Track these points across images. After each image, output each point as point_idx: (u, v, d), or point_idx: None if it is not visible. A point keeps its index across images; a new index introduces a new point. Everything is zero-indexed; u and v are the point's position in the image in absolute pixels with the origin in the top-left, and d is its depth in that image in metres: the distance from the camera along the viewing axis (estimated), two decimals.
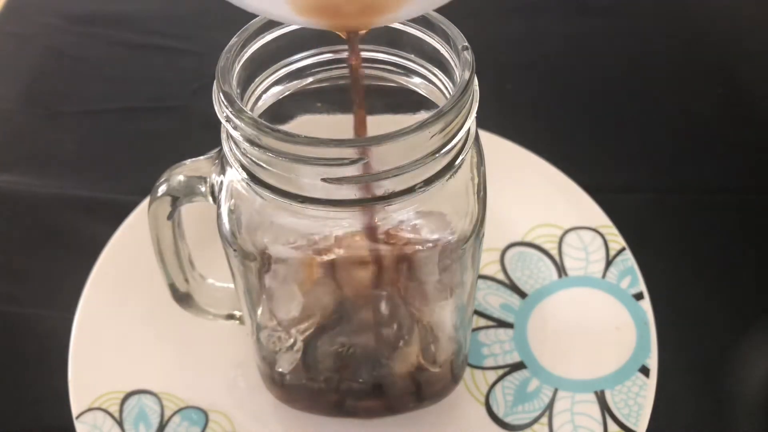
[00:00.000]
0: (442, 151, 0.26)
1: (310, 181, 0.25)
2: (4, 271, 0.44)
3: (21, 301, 0.42)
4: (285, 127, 0.26)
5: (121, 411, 0.36)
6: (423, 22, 0.28)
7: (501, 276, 0.41)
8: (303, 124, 0.31)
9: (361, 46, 0.30)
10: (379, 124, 0.30)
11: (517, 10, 0.59)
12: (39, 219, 0.46)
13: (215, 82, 0.26)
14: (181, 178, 0.31)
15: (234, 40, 0.27)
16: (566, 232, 0.43)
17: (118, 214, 0.43)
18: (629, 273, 0.40)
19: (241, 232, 0.29)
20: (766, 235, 0.44)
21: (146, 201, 0.36)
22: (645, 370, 0.37)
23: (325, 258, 0.29)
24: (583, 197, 0.44)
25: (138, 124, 0.52)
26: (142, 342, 0.39)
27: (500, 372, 0.38)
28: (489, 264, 0.42)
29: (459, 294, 0.32)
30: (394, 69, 0.30)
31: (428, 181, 0.26)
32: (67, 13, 0.59)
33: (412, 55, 0.29)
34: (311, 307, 0.33)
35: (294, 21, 0.26)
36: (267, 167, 0.25)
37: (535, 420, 0.36)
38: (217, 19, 0.52)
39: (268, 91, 0.30)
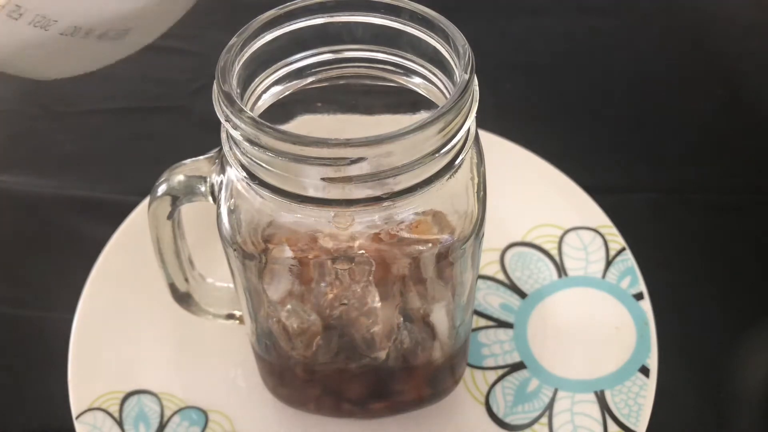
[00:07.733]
0: (442, 151, 0.26)
1: (310, 181, 0.25)
2: (4, 271, 0.43)
3: (21, 301, 0.42)
4: (285, 127, 0.26)
5: (121, 411, 0.36)
6: (423, 22, 0.28)
7: (501, 276, 0.41)
8: (303, 124, 0.31)
9: (361, 46, 0.30)
10: (379, 124, 0.30)
11: (518, 10, 0.59)
12: (39, 219, 0.46)
13: (215, 82, 0.26)
14: (181, 177, 0.31)
15: (234, 40, 0.27)
16: (566, 232, 0.43)
17: (118, 214, 0.43)
18: (629, 273, 0.40)
19: (241, 232, 0.29)
20: (766, 235, 0.44)
21: (146, 201, 0.36)
22: (645, 370, 0.37)
23: (325, 258, 0.29)
24: (583, 197, 0.44)
25: (138, 124, 0.52)
26: (142, 342, 0.39)
27: (500, 372, 0.38)
28: (489, 264, 0.42)
29: (459, 294, 0.32)
30: (394, 69, 0.30)
31: (428, 181, 0.26)
32: None
33: (412, 55, 0.29)
34: (311, 307, 0.33)
35: None
36: (267, 167, 0.25)
37: (535, 420, 0.36)
38: (217, 19, 0.52)
39: (268, 91, 0.30)
